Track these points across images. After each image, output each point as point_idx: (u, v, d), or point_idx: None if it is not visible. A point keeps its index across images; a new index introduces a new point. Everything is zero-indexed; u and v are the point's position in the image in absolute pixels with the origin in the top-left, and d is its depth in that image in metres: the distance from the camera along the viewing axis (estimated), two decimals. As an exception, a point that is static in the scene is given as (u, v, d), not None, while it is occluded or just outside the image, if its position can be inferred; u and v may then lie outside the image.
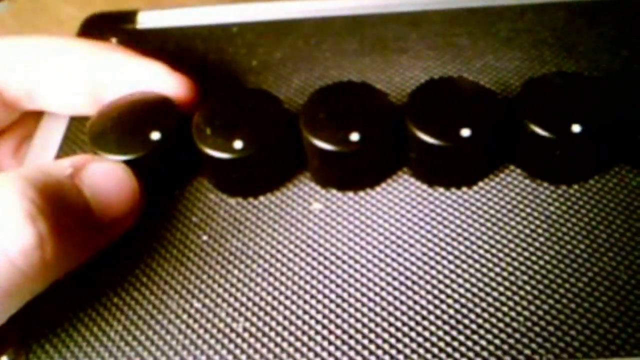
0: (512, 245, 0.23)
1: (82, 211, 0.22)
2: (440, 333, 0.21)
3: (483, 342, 0.20)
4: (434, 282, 0.22)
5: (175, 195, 0.25)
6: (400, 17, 0.31)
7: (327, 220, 0.24)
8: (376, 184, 0.25)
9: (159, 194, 0.25)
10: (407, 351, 0.20)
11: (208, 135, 0.24)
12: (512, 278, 0.22)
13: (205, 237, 0.24)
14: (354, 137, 0.23)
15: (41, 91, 0.27)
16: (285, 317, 0.22)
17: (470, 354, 0.20)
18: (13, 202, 0.20)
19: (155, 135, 0.24)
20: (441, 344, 0.20)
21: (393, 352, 0.20)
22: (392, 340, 0.21)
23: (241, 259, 0.23)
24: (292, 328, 0.21)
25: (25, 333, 0.22)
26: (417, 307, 0.21)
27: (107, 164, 0.23)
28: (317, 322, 0.21)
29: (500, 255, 0.22)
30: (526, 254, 0.22)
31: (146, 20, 0.33)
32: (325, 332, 0.21)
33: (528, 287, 0.21)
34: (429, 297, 0.22)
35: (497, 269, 0.22)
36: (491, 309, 0.21)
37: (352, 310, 0.21)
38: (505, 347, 0.20)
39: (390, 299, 0.22)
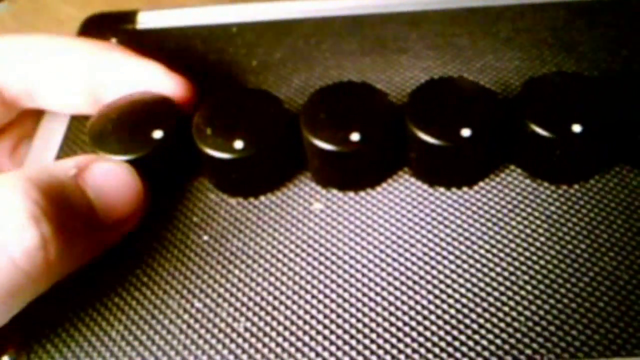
0: (512, 245, 0.23)
1: (85, 212, 0.22)
2: (442, 333, 0.21)
3: (484, 342, 0.20)
4: (435, 282, 0.22)
5: (175, 195, 0.25)
6: (400, 17, 0.31)
7: (327, 220, 0.24)
8: (377, 184, 0.25)
9: (159, 194, 0.25)
10: (408, 351, 0.20)
11: (208, 135, 0.24)
12: (513, 278, 0.22)
13: (206, 237, 0.24)
14: (355, 137, 0.23)
15: (40, 90, 0.27)
16: (286, 317, 0.22)
17: (472, 354, 0.20)
18: (16, 203, 0.20)
19: (156, 135, 0.24)
20: (442, 344, 0.20)
21: (394, 352, 0.20)
22: (393, 340, 0.21)
23: (242, 258, 0.23)
24: (293, 328, 0.21)
25: (27, 332, 0.22)
26: (418, 307, 0.21)
27: (111, 164, 0.23)
28: (318, 322, 0.21)
29: (501, 255, 0.22)
30: (527, 254, 0.22)
31: (146, 20, 0.33)
32: (326, 332, 0.21)
33: (529, 287, 0.21)
34: (430, 297, 0.22)
35: (498, 269, 0.22)
36: (492, 309, 0.21)
37: (353, 310, 0.21)
38: (507, 347, 0.20)
39: (391, 298, 0.22)
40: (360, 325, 0.21)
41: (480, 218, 0.23)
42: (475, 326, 0.21)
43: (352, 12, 0.32)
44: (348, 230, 0.24)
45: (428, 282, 0.22)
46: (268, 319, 0.22)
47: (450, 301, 0.21)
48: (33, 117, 0.29)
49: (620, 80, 0.25)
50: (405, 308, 0.21)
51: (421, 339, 0.21)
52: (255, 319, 0.22)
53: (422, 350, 0.20)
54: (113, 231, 0.23)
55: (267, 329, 0.21)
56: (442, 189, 0.24)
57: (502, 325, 0.21)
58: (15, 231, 0.19)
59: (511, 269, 0.22)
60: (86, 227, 0.22)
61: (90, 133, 0.25)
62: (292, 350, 0.21)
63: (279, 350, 0.21)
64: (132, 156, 0.24)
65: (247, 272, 0.23)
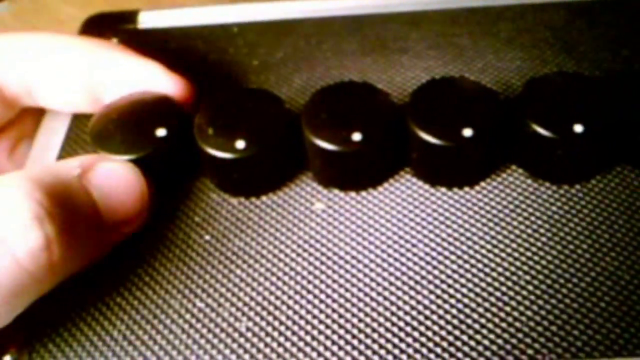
0: (514, 245, 0.23)
1: (90, 213, 0.22)
2: (443, 333, 0.21)
3: (486, 342, 0.20)
4: (436, 282, 0.22)
5: (177, 195, 0.25)
6: (401, 17, 0.31)
7: (329, 220, 0.24)
8: (378, 184, 0.25)
9: (160, 193, 0.25)
10: (410, 351, 0.20)
11: (210, 135, 0.24)
12: (515, 278, 0.22)
13: (207, 237, 0.24)
14: (356, 137, 0.23)
15: (40, 88, 0.27)
16: (287, 317, 0.22)
17: (473, 354, 0.20)
18: (20, 204, 0.20)
19: (158, 134, 0.24)
20: (444, 344, 0.20)
21: (396, 351, 0.20)
22: (395, 340, 0.21)
23: (243, 258, 0.23)
24: (295, 327, 0.21)
25: (28, 332, 0.22)
26: (420, 307, 0.21)
27: (116, 164, 0.23)
28: (320, 321, 0.21)
29: (503, 255, 0.22)
30: (528, 254, 0.22)
31: (147, 20, 0.33)
32: (328, 332, 0.21)
33: (530, 287, 0.21)
34: (432, 296, 0.22)
35: (500, 269, 0.22)
36: (494, 309, 0.21)
37: (354, 309, 0.21)
38: (508, 346, 0.20)
39: (392, 298, 0.22)
40: (361, 325, 0.21)
41: (482, 218, 0.23)
42: (477, 326, 0.21)
43: (353, 12, 0.32)
44: (349, 230, 0.24)
45: (429, 282, 0.22)
46: (270, 318, 0.22)
47: (452, 301, 0.21)
48: (32, 117, 0.29)
49: (622, 80, 0.25)
50: (406, 308, 0.21)
51: (423, 339, 0.21)
52: (257, 318, 0.22)
53: (424, 350, 0.20)
54: (117, 232, 0.23)
55: (269, 328, 0.21)
56: (443, 189, 0.24)
57: (503, 325, 0.21)
58: (19, 232, 0.19)
59: (513, 269, 0.22)
60: (90, 228, 0.22)
61: (92, 133, 0.25)
62: (294, 350, 0.21)
63: (280, 350, 0.21)
64: (135, 155, 0.24)
65: (248, 272, 0.23)
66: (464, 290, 0.22)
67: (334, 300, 0.22)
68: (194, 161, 0.25)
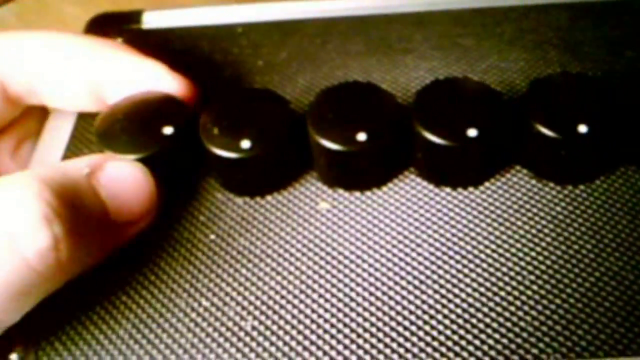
0: (518, 246, 0.23)
1: (98, 213, 0.22)
2: (448, 332, 0.21)
3: (490, 342, 0.20)
4: (441, 281, 0.22)
5: (183, 194, 0.25)
6: (405, 17, 0.31)
7: (334, 219, 0.24)
8: (383, 184, 0.25)
9: (166, 193, 0.25)
10: (415, 350, 0.20)
11: (215, 134, 0.24)
12: (519, 278, 0.22)
13: (213, 237, 0.24)
14: (361, 137, 0.23)
15: (44, 86, 0.27)
16: (293, 316, 0.22)
17: (478, 353, 0.20)
18: (29, 203, 0.20)
19: (164, 133, 0.24)
20: (449, 343, 0.21)
21: (401, 350, 0.21)
22: (400, 339, 0.21)
23: (249, 258, 0.23)
24: (300, 327, 0.21)
25: (35, 331, 0.22)
26: (425, 307, 0.21)
27: (125, 164, 0.23)
28: (325, 320, 0.21)
29: (507, 255, 0.22)
30: (533, 254, 0.22)
31: (151, 20, 0.33)
32: (333, 331, 0.21)
33: (535, 287, 0.22)
34: (436, 296, 0.22)
35: (504, 269, 0.22)
36: (498, 309, 0.21)
37: (359, 309, 0.22)
38: (513, 346, 0.20)
39: (397, 298, 0.22)
40: (366, 325, 0.21)
41: (486, 218, 0.24)
42: (481, 326, 0.21)
43: (357, 12, 0.32)
44: (354, 229, 0.24)
45: (434, 281, 0.22)
46: (275, 317, 0.22)
47: (457, 301, 0.21)
48: (35, 117, 0.29)
49: (625, 81, 0.25)
50: (411, 307, 0.21)
51: (428, 338, 0.21)
52: (262, 317, 0.22)
53: (429, 350, 0.20)
54: (125, 231, 0.23)
55: (274, 327, 0.21)
56: (447, 189, 0.24)
57: (508, 325, 0.21)
58: (27, 232, 0.19)
59: (517, 269, 0.22)
60: (98, 228, 0.22)
61: (98, 132, 0.25)
62: (300, 348, 0.21)
63: (286, 349, 0.21)
64: (141, 155, 0.24)
65: (254, 271, 0.23)
66: (469, 290, 0.22)
67: (339, 300, 0.22)
68: (200, 160, 0.25)
